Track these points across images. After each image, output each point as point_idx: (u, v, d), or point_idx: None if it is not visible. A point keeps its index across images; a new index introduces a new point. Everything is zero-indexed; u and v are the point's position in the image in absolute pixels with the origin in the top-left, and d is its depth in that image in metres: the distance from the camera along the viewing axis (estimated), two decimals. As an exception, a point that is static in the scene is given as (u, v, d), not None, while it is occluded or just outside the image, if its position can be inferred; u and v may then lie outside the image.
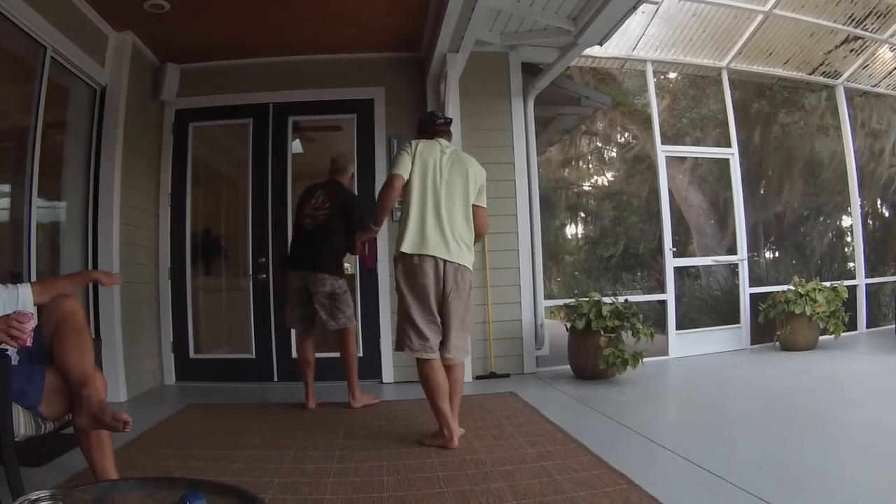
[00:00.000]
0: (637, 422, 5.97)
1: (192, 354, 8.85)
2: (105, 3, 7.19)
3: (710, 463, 4.50)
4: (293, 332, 8.26)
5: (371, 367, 8.50)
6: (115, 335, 7.42)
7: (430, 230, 5.45)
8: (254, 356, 8.84)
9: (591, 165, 19.73)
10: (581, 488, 4.08)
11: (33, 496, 2.15)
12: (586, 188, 19.80)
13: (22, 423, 3.46)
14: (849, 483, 4.04)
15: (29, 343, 3.30)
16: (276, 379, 8.79)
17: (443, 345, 5.51)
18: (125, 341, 7.61)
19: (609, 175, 19.45)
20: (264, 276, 8.79)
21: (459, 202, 5.58)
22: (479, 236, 5.84)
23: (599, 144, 18.84)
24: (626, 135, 16.81)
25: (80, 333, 3.66)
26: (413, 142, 5.74)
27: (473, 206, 5.66)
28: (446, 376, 5.46)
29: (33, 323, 3.33)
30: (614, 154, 18.89)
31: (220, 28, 7.94)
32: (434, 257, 5.41)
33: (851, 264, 11.85)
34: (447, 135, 5.93)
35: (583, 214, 20.12)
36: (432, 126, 5.91)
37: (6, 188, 6.88)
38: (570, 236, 20.41)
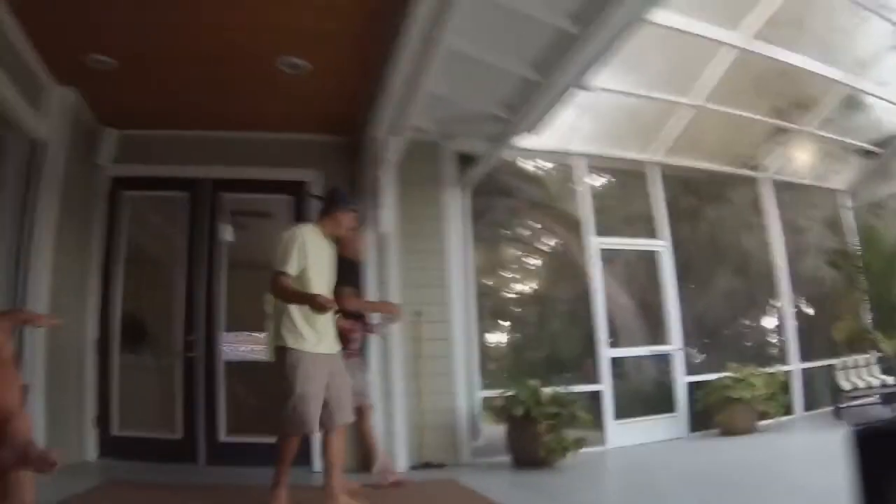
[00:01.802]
0: (583, 502, 5.88)
1: (115, 431, 8.47)
2: (50, 53, 7.03)
3: None
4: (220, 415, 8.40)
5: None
6: (35, 403, 6.89)
7: None
8: (180, 437, 8.49)
9: (516, 273, 19.63)
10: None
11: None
12: (510, 295, 19.69)
13: None
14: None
15: None
16: (202, 462, 8.41)
17: None
18: (46, 411, 7.18)
19: (533, 283, 19.39)
20: (192, 354, 8.53)
21: None
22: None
23: (522, 253, 18.76)
24: (554, 239, 16.79)
25: (5, 367, 3.41)
26: None
27: None
28: None
29: None
30: (539, 262, 18.83)
31: (162, 94, 7.84)
32: None
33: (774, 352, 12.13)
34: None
35: (506, 322, 19.92)
36: None
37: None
38: (492, 343, 20.15)
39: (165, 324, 8.90)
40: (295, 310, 5.62)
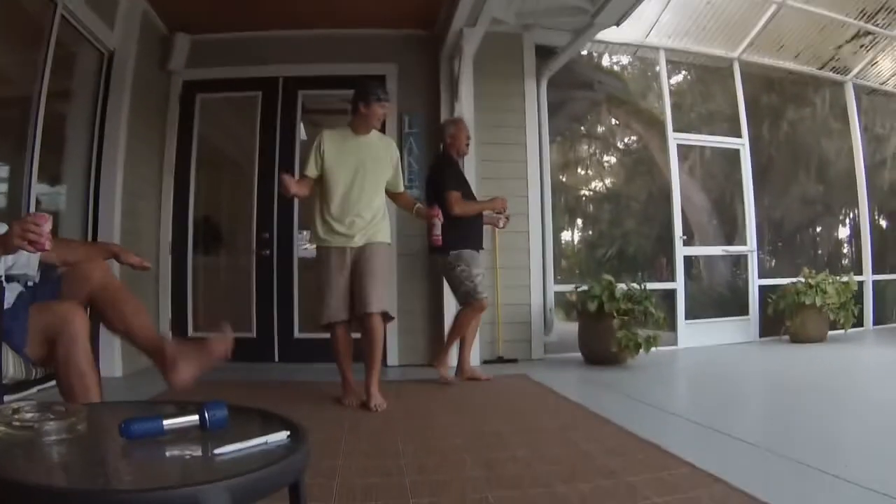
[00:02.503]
0: (656, 399, 5.90)
1: (191, 333, 8.63)
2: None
3: (735, 431, 4.48)
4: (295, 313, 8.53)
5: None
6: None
7: None
8: (254, 335, 8.66)
9: (590, 171, 19.39)
10: (612, 455, 3.93)
11: (15, 405, 1.98)
12: (585, 193, 19.50)
13: (11, 364, 3.23)
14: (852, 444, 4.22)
15: (48, 247, 3.00)
16: (276, 359, 8.62)
17: None
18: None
19: (608, 180, 19.15)
20: (268, 252, 8.64)
21: None
22: None
23: (599, 150, 18.51)
24: (631, 136, 16.52)
25: (130, 297, 3.49)
26: None
27: None
28: None
29: (49, 225, 3.07)
30: (614, 160, 18.59)
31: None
32: None
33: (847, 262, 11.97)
34: None
35: (579, 219, 19.76)
36: None
37: (4, 172, 6.71)
38: (566, 240, 20.03)
39: (240, 224, 9.07)
40: (316, 208, 5.94)
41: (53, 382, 3.30)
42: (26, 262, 3.59)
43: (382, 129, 6.76)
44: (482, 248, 7.24)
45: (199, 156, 8.82)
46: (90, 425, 2.02)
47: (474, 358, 7.86)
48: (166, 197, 8.60)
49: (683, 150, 10.44)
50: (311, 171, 5.86)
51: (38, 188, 6.34)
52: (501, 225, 7.44)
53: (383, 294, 5.87)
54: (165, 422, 1.88)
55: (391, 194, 6.22)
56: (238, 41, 8.69)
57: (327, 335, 6.11)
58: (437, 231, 6.32)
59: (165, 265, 8.53)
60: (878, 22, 10.59)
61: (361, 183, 5.87)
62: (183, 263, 8.66)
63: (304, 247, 8.63)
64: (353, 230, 5.82)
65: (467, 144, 7.29)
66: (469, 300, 6.93)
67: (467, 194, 7.10)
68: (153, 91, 8.34)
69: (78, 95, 7.49)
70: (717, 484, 3.31)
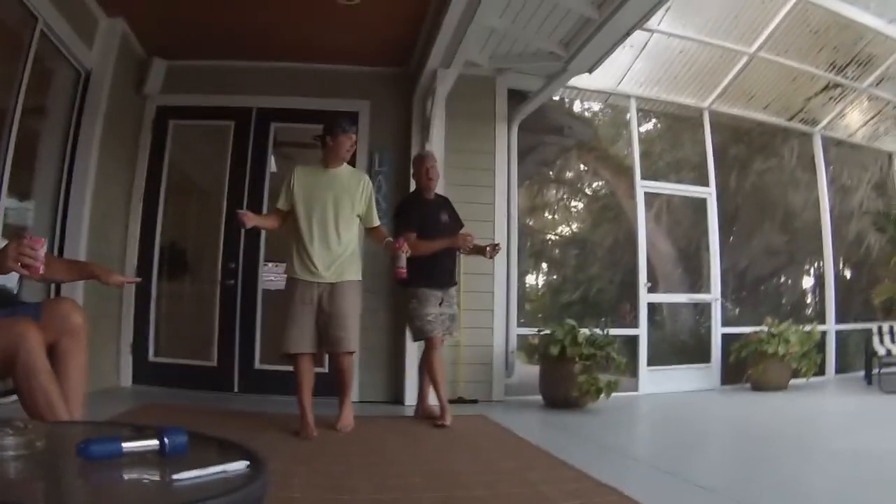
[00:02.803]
0: (615, 444, 5.93)
1: (151, 357, 8.60)
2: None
3: (696, 478, 4.48)
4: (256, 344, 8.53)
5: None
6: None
7: None
8: (215, 364, 8.60)
9: (557, 215, 19.41)
10: (570, 498, 3.94)
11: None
12: (551, 237, 19.52)
13: None
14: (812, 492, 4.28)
15: (42, 272, 3.03)
16: (235, 390, 8.52)
17: None
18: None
19: (575, 225, 19.19)
20: (232, 281, 8.59)
21: None
22: None
23: (566, 195, 18.53)
24: (599, 182, 16.58)
25: (84, 359, 3.47)
26: None
27: None
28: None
29: (44, 249, 3.05)
30: (581, 206, 18.63)
31: (210, 23, 7.76)
32: None
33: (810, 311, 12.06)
34: None
35: (544, 263, 19.73)
36: None
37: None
38: (530, 284, 19.98)
39: (206, 252, 9.00)
40: (291, 240, 6.05)
41: (14, 398, 3.28)
42: (6, 275, 3.57)
43: (352, 165, 6.76)
44: (452, 286, 7.17)
45: (169, 182, 8.79)
46: (49, 443, 2.01)
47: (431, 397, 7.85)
48: (134, 220, 8.57)
49: (650, 198, 10.51)
50: (281, 204, 6.05)
51: (6, 202, 6.30)
52: (488, 256, 7.17)
53: (354, 333, 5.99)
54: (124, 444, 1.87)
55: (366, 230, 6.34)
56: (214, 69, 8.73)
57: (288, 368, 6.13)
58: (401, 263, 6.27)
59: (129, 288, 8.36)
60: (848, 75, 10.80)
61: (330, 217, 5.96)
62: (147, 287, 8.56)
63: (268, 279, 8.62)
64: (322, 264, 5.90)
65: (430, 178, 7.14)
66: (419, 339, 6.96)
67: (438, 230, 6.94)
68: (127, 114, 8.32)
69: (52, 113, 7.46)
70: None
